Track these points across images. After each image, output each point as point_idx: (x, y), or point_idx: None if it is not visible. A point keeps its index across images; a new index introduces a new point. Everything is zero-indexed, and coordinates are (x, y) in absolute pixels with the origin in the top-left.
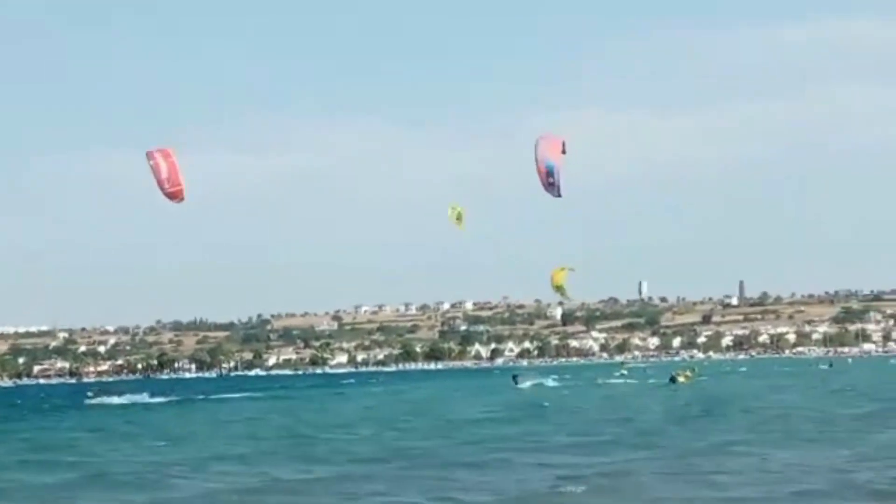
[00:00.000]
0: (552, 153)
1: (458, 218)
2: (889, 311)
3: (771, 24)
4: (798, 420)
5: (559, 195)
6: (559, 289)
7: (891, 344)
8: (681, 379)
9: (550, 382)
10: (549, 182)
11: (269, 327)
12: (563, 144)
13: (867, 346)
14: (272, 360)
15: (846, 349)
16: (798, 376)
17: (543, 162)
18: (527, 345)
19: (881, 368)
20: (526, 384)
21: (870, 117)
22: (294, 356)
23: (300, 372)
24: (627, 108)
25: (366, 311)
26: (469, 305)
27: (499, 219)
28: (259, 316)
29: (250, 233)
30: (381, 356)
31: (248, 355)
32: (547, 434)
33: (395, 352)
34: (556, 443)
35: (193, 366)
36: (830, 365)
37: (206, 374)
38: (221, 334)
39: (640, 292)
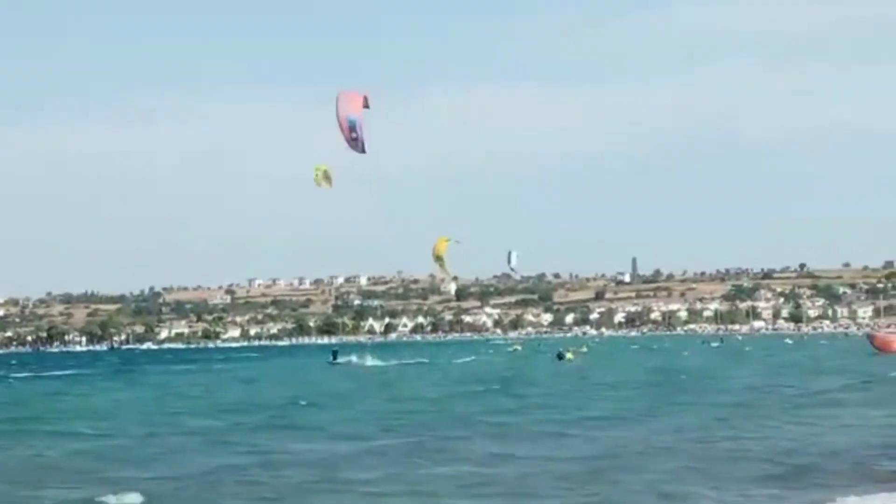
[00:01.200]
0: (353, 108)
1: (326, 177)
2: (779, 289)
3: (662, 5)
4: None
5: (364, 151)
6: (439, 259)
7: (780, 322)
8: (568, 355)
9: (370, 361)
10: (353, 137)
11: (160, 300)
12: (366, 99)
13: (757, 324)
14: (164, 334)
15: (737, 326)
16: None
17: (345, 118)
18: (421, 320)
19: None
20: (344, 360)
21: (761, 98)
22: (186, 330)
23: (192, 346)
24: (518, 84)
25: (259, 285)
26: (363, 280)
27: (394, 194)
28: (151, 289)
29: (142, 206)
30: (274, 330)
31: (140, 328)
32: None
33: (289, 326)
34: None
35: (84, 339)
36: (721, 342)
37: (97, 347)
38: (112, 307)
39: (508, 262)
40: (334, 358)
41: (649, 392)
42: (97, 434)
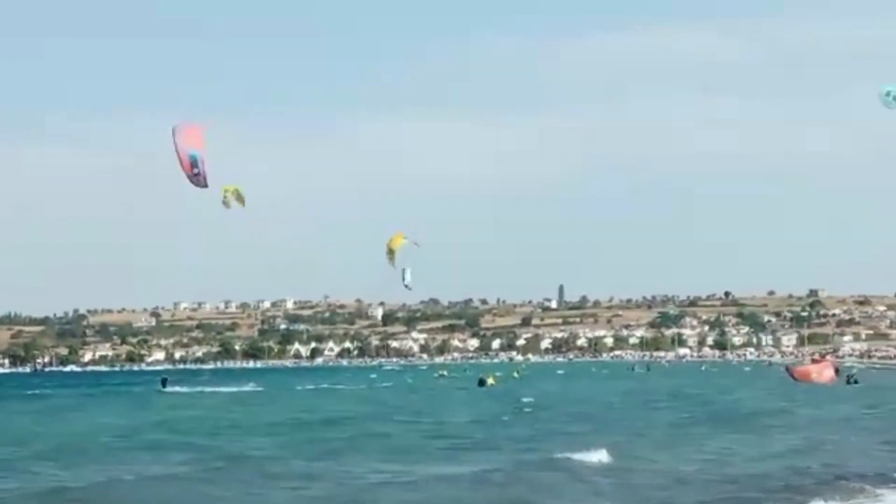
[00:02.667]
0: (194, 142)
1: (238, 198)
2: (704, 317)
3: (590, 35)
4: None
5: (206, 185)
6: (391, 252)
7: (705, 349)
8: (490, 381)
9: (203, 389)
10: (195, 173)
11: (85, 323)
12: (197, 131)
13: (682, 351)
14: (88, 356)
15: (662, 353)
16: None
17: (186, 152)
18: (347, 344)
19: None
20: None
21: (690, 126)
22: (110, 352)
23: (117, 368)
24: (447, 111)
25: (185, 308)
26: (290, 304)
27: (321, 218)
28: (75, 311)
29: (67, 228)
30: (199, 353)
31: (64, 351)
32: None
33: (214, 349)
34: None
35: (7, 360)
36: (648, 368)
37: (21, 370)
38: (36, 329)
39: (403, 279)
40: (163, 386)
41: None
42: None
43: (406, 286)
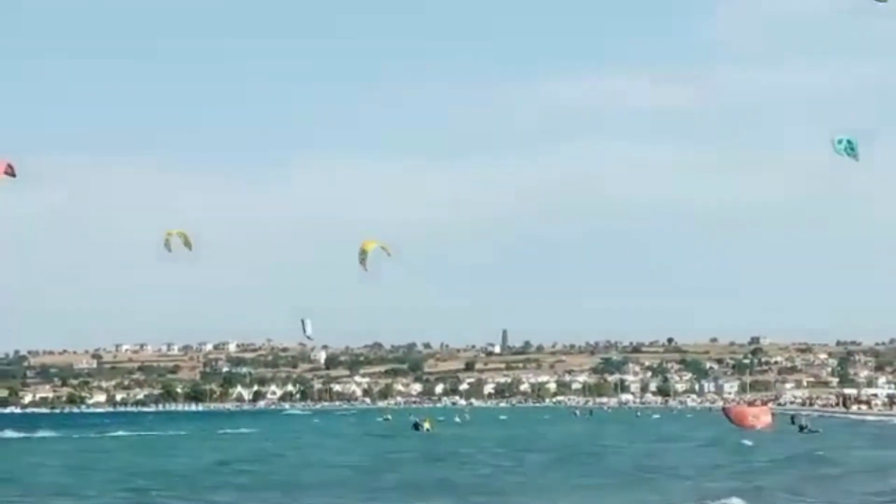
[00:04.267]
0: None
1: (186, 243)
2: (647, 363)
3: (530, 78)
4: None
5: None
6: (363, 253)
7: (648, 395)
8: (426, 425)
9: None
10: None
11: (25, 364)
12: (10, 167)
13: (625, 397)
14: (28, 398)
15: (605, 399)
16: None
17: None
18: (290, 388)
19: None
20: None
21: (628, 172)
22: (51, 394)
23: (57, 410)
24: (386, 155)
25: (127, 350)
26: (232, 347)
27: (263, 261)
28: (16, 352)
29: (7, 268)
30: (140, 396)
31: (3, 392)
32: None
33: (156, 392)
34: None
35: None
36: (591, 413)
37: None
38: None
39: (304, 330)
40: None
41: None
42: None
43: (308, 338)
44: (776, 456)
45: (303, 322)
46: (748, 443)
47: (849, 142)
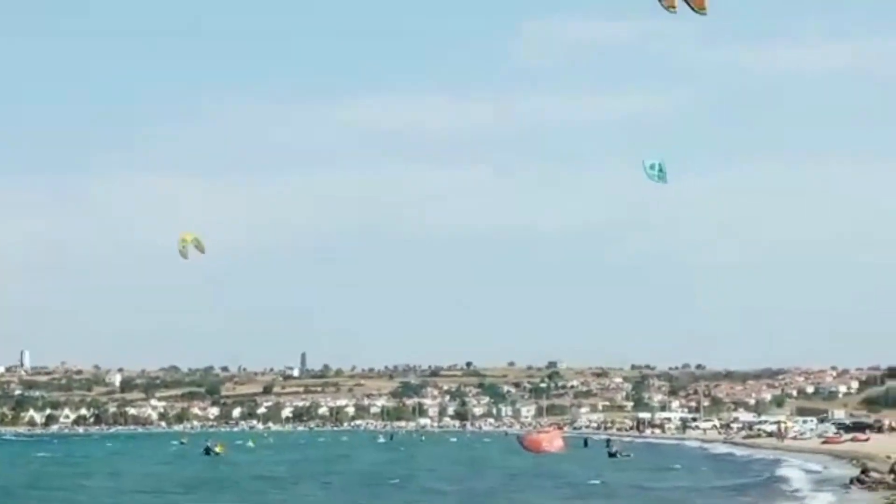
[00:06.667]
0: None
1: (197, 245)
2: (445, 387)
3: (347, 98)
4: None
5: None
6: (184, 242)
7: (446, 419)
8: (217, 450)
9: None
10: None
11: None
12: None
13: (423, 421)
14: None
15: (403, 423)
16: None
17: None
18: (84, 411)
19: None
20: None
21: (429, 197)
22: None
23: None
24: (193, 173)
25: None
26: (25, 369)
27: (59, 281)
28: None
29: None
30: None
31: None
32: None
33: None
34: None
35: None
36: (391, 438)
37: None
38: None
39: (21, 363)
40: None
41: None
42: None
43: (24, 371)
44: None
45: (22, 353)
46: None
47: (659, 166)
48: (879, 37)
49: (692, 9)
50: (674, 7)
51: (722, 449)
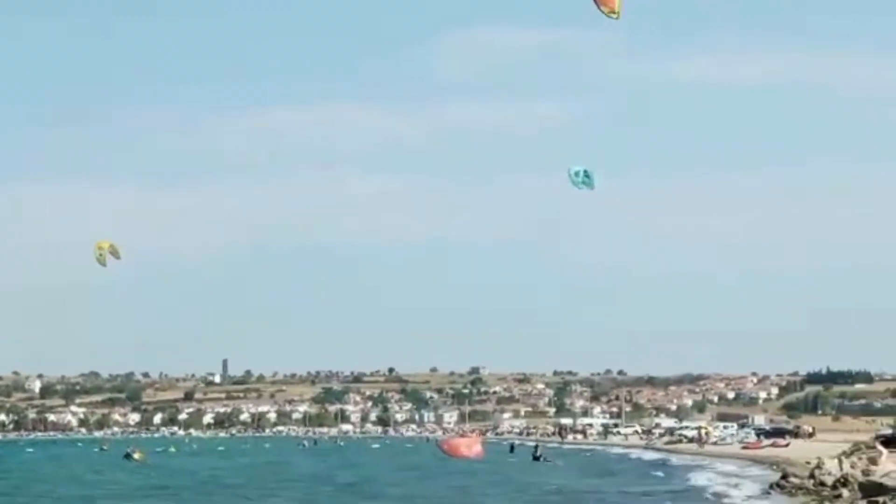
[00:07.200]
0: None
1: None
2: (368, 393)
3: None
4: None
5: None
6: (100, 249)
7: (368, 425)
8: (136, 456)
9: None
10: None
11: None
12: None
13: (346, 427)
14: None
15: (325, 429)
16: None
17: None
18: (2, 417)
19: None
20: None
21: (353, 205)
22: None
23: None
24: (121, 180)
25: None
26: None
27: None
28: None
29: None
30: None
31: None
32: None
33: None
34: None
35: None
36: (315, 443)
37: None
38: None
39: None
40: None
41: None
42: None
43: None
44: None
45: None
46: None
47: (585, 172)
48: (794, 50)
49: (602, 11)
50: (615, 13)
51: (644, 455)
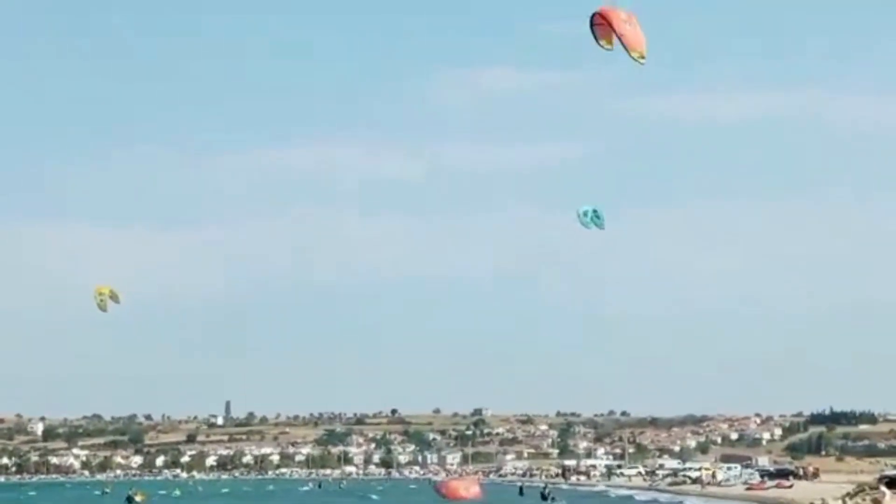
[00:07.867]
0: None
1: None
2: (371, 434)
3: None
4: None
5: None
6: (101, 295)
7: (371, 467)
8: (138, 498)
9: None
10: None
11: None
12: None
13: (349, 469)
14: None
15: (328, 471)
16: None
17: None
18: (5, 460)
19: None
20: None
21: (354, 246)
22: None
23: None
24: (120, 223)
25: None
26: None
27: None
28: None
29: None
30: None
31: None
32: None
33: None
34: None
35: None
36: (320, 486)
37: None
38: None
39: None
40: None
41: None
42: None
43: None
44: None
45: None
46: None
47: (594, 211)
48: (793, 84)
49: (632, 57)
50: (610, 45)
51: (648, 496)
